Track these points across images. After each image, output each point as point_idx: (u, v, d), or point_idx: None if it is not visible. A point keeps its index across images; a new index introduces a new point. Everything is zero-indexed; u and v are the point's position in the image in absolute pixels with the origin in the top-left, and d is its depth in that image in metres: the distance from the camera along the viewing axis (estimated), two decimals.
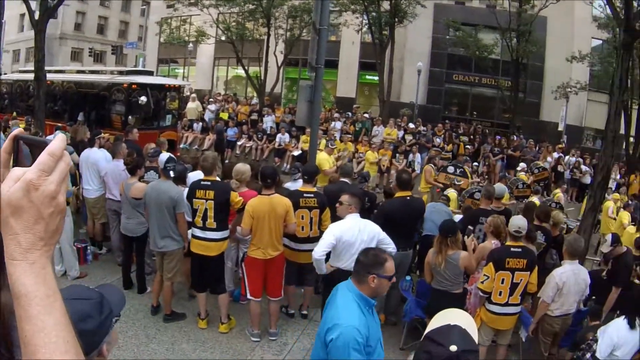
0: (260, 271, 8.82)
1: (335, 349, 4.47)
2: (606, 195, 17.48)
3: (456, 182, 15.88)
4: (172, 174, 9.34)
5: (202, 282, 9.31)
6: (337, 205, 8.11)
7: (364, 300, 4.76)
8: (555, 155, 26.79)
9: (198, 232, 9.04)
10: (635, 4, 13.40)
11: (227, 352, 8.68)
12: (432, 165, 18.33)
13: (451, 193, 14.76)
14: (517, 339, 9.41)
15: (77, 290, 2.59)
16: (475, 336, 2.73)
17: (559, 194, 18.89)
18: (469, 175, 18.38)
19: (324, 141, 20.84)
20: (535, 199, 16.14)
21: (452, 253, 8.01)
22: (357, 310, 4.67)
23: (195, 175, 10.27)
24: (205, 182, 8.98)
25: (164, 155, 9.80)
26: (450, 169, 17.39)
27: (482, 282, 8.13)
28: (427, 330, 2.72)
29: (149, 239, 9.75)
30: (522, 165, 22.51)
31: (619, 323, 7.04)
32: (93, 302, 2.50)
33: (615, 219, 18.68)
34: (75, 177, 12.62)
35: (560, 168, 25.76)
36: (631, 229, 16.91)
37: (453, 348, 2.44)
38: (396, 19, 32.03)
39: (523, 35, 33.28)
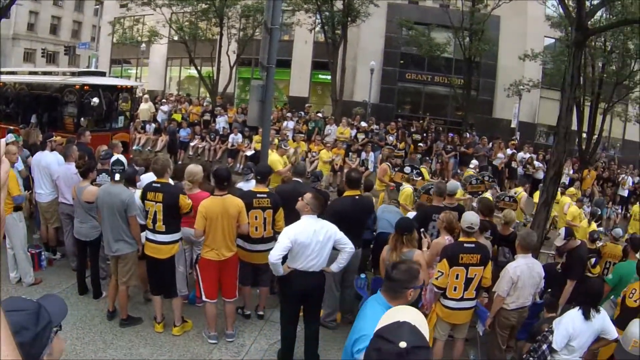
0: (215, 272, 8.84)
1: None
2: (559, 189, 17.68)
3: (414, 178, 15.93)
4: (117, 177, 9.26)
5: (158, 285, 9.26)
6: (300, 199, 8.12)
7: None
8: (509, 151, 27.04)
9: (149, 235, 9.03)
10: (587, 3, 13.58)
11: (184, 355, 8.66)
12: (389, 164, 18.34)
13: (407, 189, 14.79)
14: (474, 333, 9.52)
15: (12, 302, 2.54)
16: (425, 332, 2.77)
17: (522, 193, 19.03)
18: (426, 175, 18.49)
19: (277, 140, 20.87)
20: (488, 195, 16.27)
21: (407, 251, 8.04)
22: None
23: (150, 177, 10.18)
24: (156, 185, 8.96)
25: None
26: (407, 169, 17.44)
27: (436, 278, 8.19)
28: (377, 327, 2.73)
29: (103, 243, 9.67)
30: (475, 162, 22.62)
31: (574, 314, 7.15)
32: (28, 313, 2.47)
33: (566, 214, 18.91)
34: (28, 181, 12.48)
35: (513, 164, 26.00)
36: (584, 222, 17.14)
37: (403, 344, 2.48)
38: (349, 19, 32.07)
39: (476, 34, 33.51)
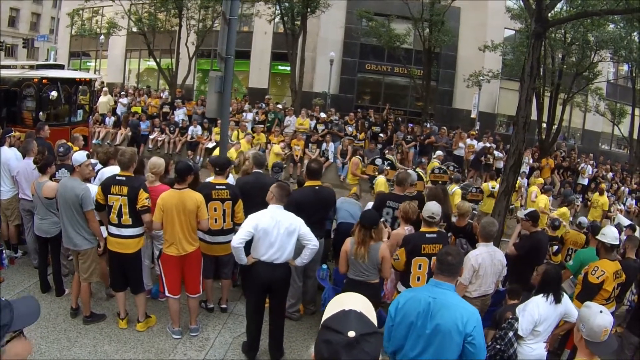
0: (177, 268, 8.80)
1: (479, 333, 5.29)
2: (520, 178, 17.85)
3: (386, 168, 16.12)
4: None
5: (121, 281, 9.18)
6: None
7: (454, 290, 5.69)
8: (469, 141, 27.19)
9: (113, 230, 8.91)
10: None
11: (149, 350, 8.61)
12: (359, 158, 18.43)
13: (380, 178, 14.88)
14: None
15: None
16: (372, 317, 2.75)
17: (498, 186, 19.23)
18: (396, 164, 18.74)
19: (236, 133, 20.83)
20: (457, 188, 16.45)
21: (373, 244, 8.02)
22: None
23: (111, 171, 10.08)
24: (120, 178, 8.83)
25: (79, 154, 9.58)
26: (378, 161, 17.58)
27: (395, 259, 8.34)
28: (324, 318, 2.71)
29: (63, 239, 9.55)
30: (439, 153, 22.73)
31: (538, 300, 7.22)
32: None
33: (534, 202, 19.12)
34: None
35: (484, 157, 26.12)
36: (566, 211, 17.33)
37: (351, 334, 2.46)
38: (308, 9, 32.02)
39: (436, 26, 33.52)
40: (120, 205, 8.75)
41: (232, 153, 16.75)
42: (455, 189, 16.64)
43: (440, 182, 18.30)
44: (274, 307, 8.50)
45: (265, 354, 8.66)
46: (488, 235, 8.78)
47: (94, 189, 9.28)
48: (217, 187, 9.57)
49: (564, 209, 17.61)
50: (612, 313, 7.82)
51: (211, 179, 10.32)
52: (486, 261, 8.55)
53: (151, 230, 9.11)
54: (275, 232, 7.89)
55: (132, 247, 8.94)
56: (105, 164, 11.18)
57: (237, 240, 7.76)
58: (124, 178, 8.80)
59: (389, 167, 16.98)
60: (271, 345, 8.58)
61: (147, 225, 9.00)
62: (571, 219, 16.06)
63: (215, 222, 9.54)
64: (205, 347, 8.94)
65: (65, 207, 8.92)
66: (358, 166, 17.95)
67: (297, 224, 8.05)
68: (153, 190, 9.19)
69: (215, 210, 9.50)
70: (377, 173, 16.25)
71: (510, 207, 18.93)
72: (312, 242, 8.06)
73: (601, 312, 4.88)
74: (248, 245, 8.03)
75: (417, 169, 18.03)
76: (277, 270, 8.07)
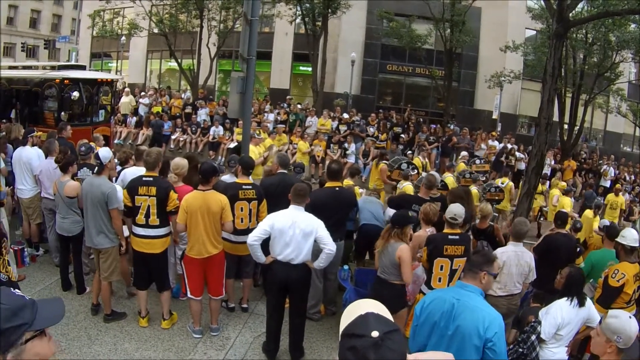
0: (200, 270, 8.82)
1: (500, 339, 5.14)
2: (541, 180, 17.73)
3: (411, 173, 16.05)
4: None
5: (145, 279, 9.23)
6: None
7: (483, 295, 5.45)
8: (491, 142, 27.08)
9: (140, 231, 8.92)
10: None
11: (170, 349, 8.63)
12: (386, 163, 18.39)
13: (407, 185, 14.82)
14: None
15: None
16: (388, 316, 2.77)
17: (510, 183, 19.07)
18: (421, 167, 18.73)
19: (258, 132, 20.83)
20: (474, 188, 16.33)
21: (393, 242, 8.07)
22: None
23: (132, 171, 10.15)
24: (147, 178, 8.84)
25: (106, 150, 9.59)
26: (404, 165, 17.57)
27: (420, 257, 8.57)
28: (342, 328, 2.69)
29: (85, 237, 9.60)
30: (464, 153, 22.66)
31: (562, 303, 7.16)
32: (3, 308, 2.44)
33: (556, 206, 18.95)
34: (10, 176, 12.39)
35: (503, 158, 25.96)
36: (589, 213, 17.13)
37: (375, 334, 2.46)
38: (329, 10, 31.99)
39: (457, 26, 33.46)
40: (149, 206, 8.79)
41: (259, 149, 16.77)
42: (472, 189, 16.55)
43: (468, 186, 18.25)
44: (293, 307, 8.51)
45: (286, 353, 8.65)
46: (518, 234, 8.85)
47: (119, 188, 9.31)
48: (243, 187, 9.59)
49: (588, 212, 17.43)
50: (633, 316, 7.81)
51: (227, 177, 10.35)
52: (512, 260, 8.59)
53: (181, 230, 9.09)
54: (291, 232, 7.91)
55: (158, 247, 9.00)
56: (123, 163, 11.22)
57: (252, 237, 7.86)
58: (151, 179, 8.84)
59: (415, 172, 16.94)
60: (291, 345, 8.58)
61: (174, 226, 9.07)
62: (600, 226, 15.82)
63: (242, 221, 9.56)
64: (226, 346, 8.95)
65: (90, 205, 8.97)
66: (385, 172, 17.90)
67: (315, 226, 8.04)
68: (177, 191, 9.20)
69: (241, 210, 9.54)
70: (402, 178, 16.23)
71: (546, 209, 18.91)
72: (329, 247, 8.01)
73: (630, 317, 4.86)
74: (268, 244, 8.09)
75: (446, 174, 17.97)
76: (294, 270, 8.09)
